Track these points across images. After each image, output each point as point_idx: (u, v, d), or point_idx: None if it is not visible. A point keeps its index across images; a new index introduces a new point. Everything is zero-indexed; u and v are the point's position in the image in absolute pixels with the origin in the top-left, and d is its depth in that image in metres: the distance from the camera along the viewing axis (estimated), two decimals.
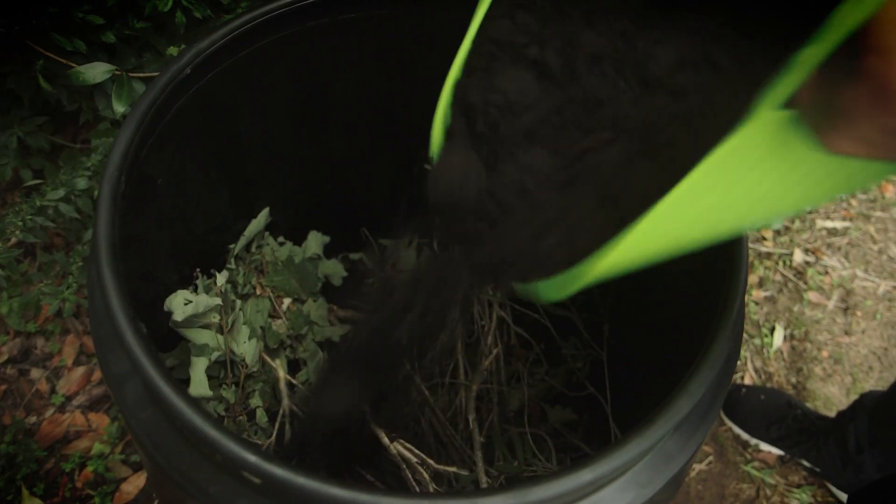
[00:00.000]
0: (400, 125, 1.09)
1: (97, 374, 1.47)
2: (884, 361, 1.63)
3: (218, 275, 1.08)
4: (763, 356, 1.63)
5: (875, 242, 1.83)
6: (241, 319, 1.08)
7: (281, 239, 1.19)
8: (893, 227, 1.87)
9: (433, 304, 0.70)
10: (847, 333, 1.67)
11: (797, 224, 1.84)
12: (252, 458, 0.53)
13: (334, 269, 1.23)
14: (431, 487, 0.88)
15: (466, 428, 1.08)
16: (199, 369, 1.01)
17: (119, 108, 1.13)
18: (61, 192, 1.30)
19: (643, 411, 0.93)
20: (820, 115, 0.43)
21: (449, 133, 0.63)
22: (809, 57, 0.41)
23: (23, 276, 1.44)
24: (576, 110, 0.57)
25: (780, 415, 1.46)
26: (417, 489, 0.88)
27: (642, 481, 0.65)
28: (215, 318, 1.04)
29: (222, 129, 0.96)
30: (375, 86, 1.05)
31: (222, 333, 1.03)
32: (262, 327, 1.10)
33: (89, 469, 1.36)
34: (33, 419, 1.41)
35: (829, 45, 0.39)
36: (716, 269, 0.72)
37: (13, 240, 1.38)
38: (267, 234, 1.17)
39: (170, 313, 0.98)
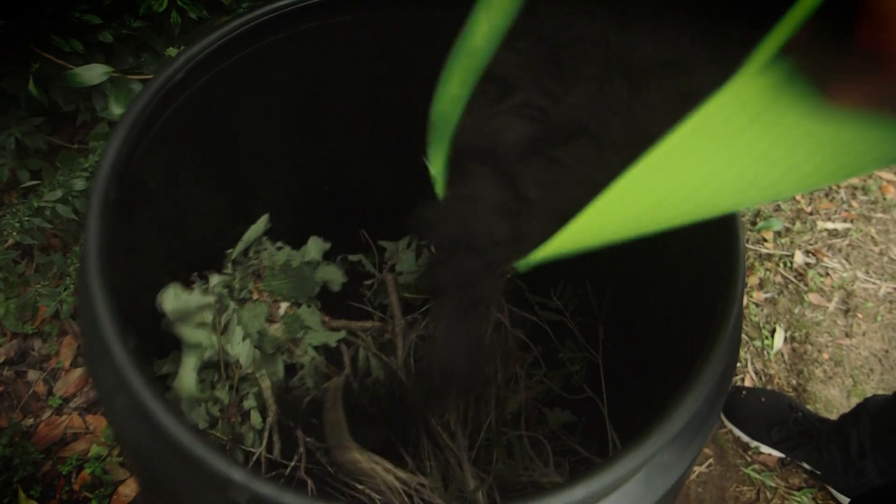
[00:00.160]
0: (398, 126, 1.08)
1: None
2: (885, 363, 1.62)
3: (213, 275, 1.07)
4: (763, 358, 1.62)
5: (876, 244, 1.82)
6: (236, 320, 1.08)
7: (279, 244, 1.18)
8: (894, 228, 1.86)
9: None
10: (848, 335, 1.66)
11: (798, 225, 1.83)
12: (238, 476, 0.52)
13: (333, 275, 1.22)
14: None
15: (463, 432, 1.07)
16: (188, 367, 1.00)
17: (117, 110, 1.13)
18: (59, 194, 1.30)
19: (641, 414, 0.93)
20: (816, 67, 0.41)
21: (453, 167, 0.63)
22: (799, 10, 0.38)
23: (20, 277, 1.43)
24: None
25: (780, 417, 1.45)
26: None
27: (638, 494, 0.64)
28: (208, 318, 1.03)
29: (217, 134, 0.95)
30: (372, 87, 1.04)
31: (216, 333, 1.03)
32: (258, 331, 1.10)
33: (87, 471, 1.35)
34: (30, 421, 1.41)
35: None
36: (711, 274, 0.71)
37: (10, 241, 1.37)
38: (265, 238, 1.17)
39: (165, 318, 0.98)
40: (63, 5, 1.19)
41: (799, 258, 1.77)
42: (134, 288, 0.89)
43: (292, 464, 0.98)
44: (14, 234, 1.30)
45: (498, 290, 0.62)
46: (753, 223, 1.82)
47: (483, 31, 0.60)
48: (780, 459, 1.47)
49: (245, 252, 1.14)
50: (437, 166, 0.66)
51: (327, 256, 1.25)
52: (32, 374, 1.46)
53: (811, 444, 1.42)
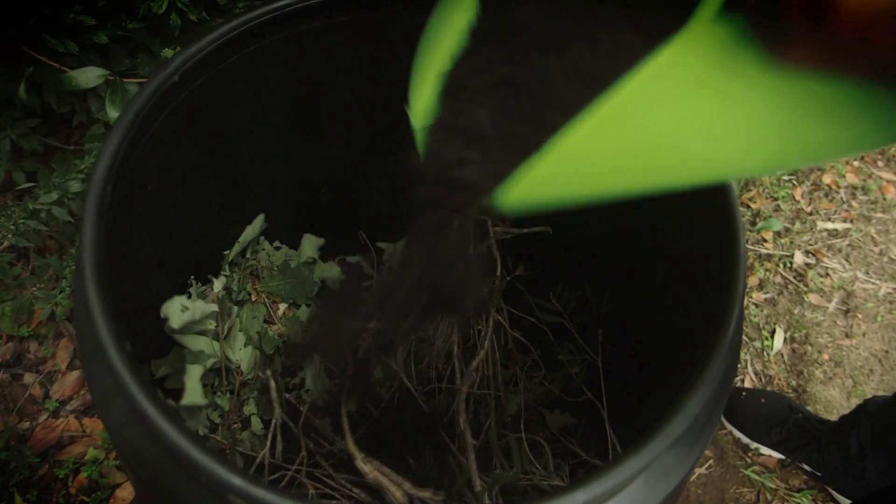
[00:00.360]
0: (395, 126, 1.08)
1: None
2: (885, 364, 1.62)
3: (215, 280, 1.07)
4: (763, 359, 1.61)
5: (876, 244, 1.82)
6: (238, 326, 1.07)
7: (277, 244, 1.18)
8: (894, 228, 1.85)
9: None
10: (848, 336, 1.65)
11: (797, 225, 1.83)
12: (237, 481, 0.51)
13: (331, 272, 1.21)
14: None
15: (463, 433, 1.07)
16: (193, 377, 1.00)
17: (113, 113, 1.12)
18: (54, 196, 1.29)
19: (641, 416, 0.92)
20: (764, 26, 0.40)
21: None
22: None
23: (15, 279, 1.43)
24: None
25: (780, 419, 1.45)
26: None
27: (639, 498, 0.64)
28: (212, 325, 1.03)
29: (214, 136, 0.94)
30: (369, 88, 1.03)
31: (218, 340, 1.02)
32: (257, 333, 1.09)
33: (83, 475, 1.35)
34: (26, 424, 1.40)
35: None
36: (712, 275, 0.71)
37: (5, 243, 1.37)
38: (262, 238, 1.16)
39: (164, 320, 0.97)
40: (57, 6, 1.18)
41: (799, 258, 1.77)
42: (131, 289, 0.89)
43: (293, 467, 0.97)
44: (9, 236, 1.29)
45: (475, 210, 0.61)
46: (753, 223, 1.82)
47: None
48: (780, 461, 1.47)
49: (242, 253, 1.14)
50: (418, 117, 0.65)
51: (326, 258, 1.24)
52: (28, 377, 1.45)
53: (811, 445, 1.41)
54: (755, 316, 1.68)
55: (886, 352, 1.64)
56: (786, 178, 1.91)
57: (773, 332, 1.65)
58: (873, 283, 1.75)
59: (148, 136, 0.76)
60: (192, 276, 1.02)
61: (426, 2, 0.91)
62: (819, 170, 1.94)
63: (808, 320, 1.68)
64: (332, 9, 0.89)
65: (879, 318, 1.68)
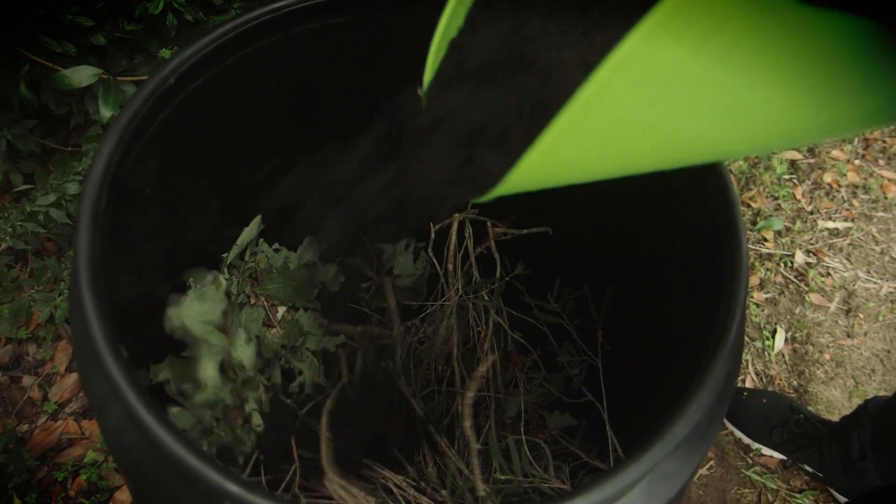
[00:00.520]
0: (395, 126, 1.07)
1: None
2: (886, 364, 1.61)
3: (219, 276, 1.06)
4: (764, 359, 1.61)
5: (877, 243, 1.81)
6: (239, 323, 1.07)
7: (276, 245, 1.17)
8: None
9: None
10: (849, 336, 1.65)
11: (798, 225, 1.82)
12: (234, 488, 0.51)
13: (331, 275, 1.21)
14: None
15: (463, 437, 1.06)
16: (210, 369, 0.99)
17: (106, 112, 1.11)
18: (52, 198, 1.28)
19: (641, 417, 0.92)
20: None
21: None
22: None
23: (13, 282, 1.42)
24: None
25: (782, 419, 1.45)
26: None
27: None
28: (220, 318, 1.02)
29: (211, 138, 0.94)
30: (368, 89, 1.03)
31: (226, 334, 1.02)
32: (256, 336, 1.09)
33: (82, 477, 1.34)
34: (25, 427, 1.40)
35: None
36: (713, 276, 0.70)
37: (3, 246, 1.36)
38: (261, 240, 1.15)
39: (161, 322, 0.97)
40: (53, 7, 1.17)
41: (800, 258, 1.76)
42: (128, 292, 0.88)
43: (290, 473, 0.97)
44: (7, 238, 1.29)
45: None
46: (753, 222, 1.81)
47: None
48: (782, 462, 1.46)
49: (241, 255, 1.13)
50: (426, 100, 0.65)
51: (326, 259, 1.24)
52: (27, 380, 1.45)
53: (813, 446, 1.41)
54: (756, 316, 1.67)
55: (888, 352, 1.63)
56: (786, 176, 1.91)
57: (774, 332, 1.65)
58: (875, 283, 1.74)
59: (144, 138, 0.75)
60: (192, 280, 1.01)
61: (425, 2, 0.91)
62: (820, 168, 1.93)
63: (810, 320, 1.67)
64: (331, 10, 0.89)
65: (881, 318, 1.68)
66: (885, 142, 2.02)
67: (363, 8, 0.91)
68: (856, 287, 1.73)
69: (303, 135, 1.06)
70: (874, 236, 1.82)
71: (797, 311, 1.68)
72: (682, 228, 0.84)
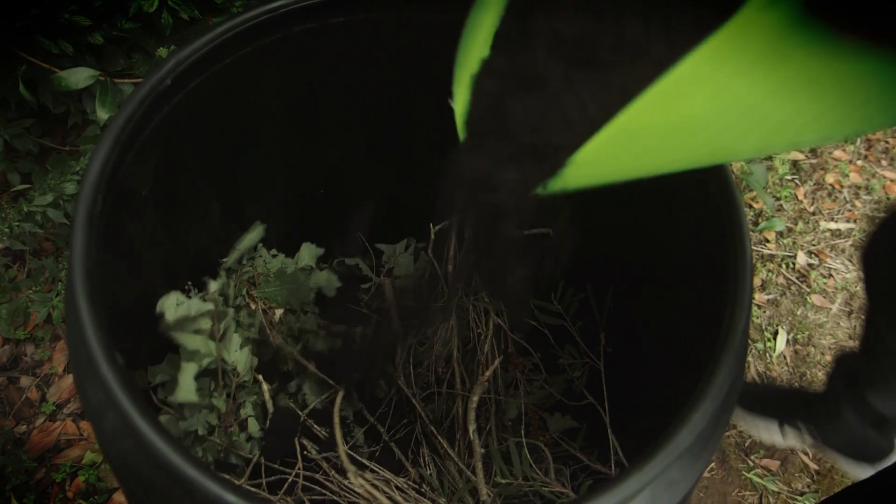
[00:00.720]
0: (394, 127, 1.07)
1: None
2: None
3: (211, 281, 1.05)
4: (766, 360, 1.60)
5: None
6: (233, 328, 1.06)
7: (273, 251, 1.16)
8: None
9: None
10: (851, 338, 1.64)
11: (800, 226, 1.81)
12: (232, 498, 0.50)
13: (327, 281, 1.20)
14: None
15: (464, 439, 1.06)
16: (187, 374, 0.99)
17: (103, 114, 1.10)
18: (49, 198, 1.27)
19: (643, 421, 0.91)
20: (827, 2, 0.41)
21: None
22: None
23: (11, 282, 1.41)
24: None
25: (777, 392, 1.44)
26: None
27: None
28: (207, 324, 1.01)
29: (210, 138, 0.93)
30: (367, 89, 1.02)
31: (214, 340, 1.01)
32: (253, 339, 1.08)
33: (81, 479, 1.34)
34: (23, 428, 1.39)
35: None
36: (717, 278, 0.69)
37: (0, 246, 1.35)
38: (260, 245, 1.15)
39: (159, 319, 0.96)
40: (51, 6, 1.16)
41: (801, 259, 1.75)
42: (125, 295, 0.87)
43: (292, 473, 0.96)
44: (4, 238, 1.28)
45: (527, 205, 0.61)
46: (755, 223, 1.80)
47: None
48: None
49: (239, 260, 1.12)
50: (460, 105, 0.64)
51: (324, 259, 1.23)
52: (25, 380, 1.44)
53: (803, 407, 1.39)
54: (757, 317, 1.66)
55: None
56: (788, 177, 1.90)
57: (775, 334, 1.64)
58: None
59: (141, 140, 0.74)
60: (190, 283, 1.01)
61: (425, 2, 0.90)
62: (822, 169, 1.92)
63: (811, 321, 1.66)
64: (330, 9, 0.88)
65: None
66: (887, 143, 2.01)
67: (362, 8, 0.90)
68: (858, 289, 1.72)
69: (302, 135, 1.05)
70: None
71: (799, 313, 1.67)
72: (685, 230, 0.83)
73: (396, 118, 1.05)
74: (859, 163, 1.96)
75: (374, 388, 1.12)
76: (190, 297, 0.99)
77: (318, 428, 1.04)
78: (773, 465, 1.46)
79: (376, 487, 0.86)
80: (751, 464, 1.46)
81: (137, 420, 0.53)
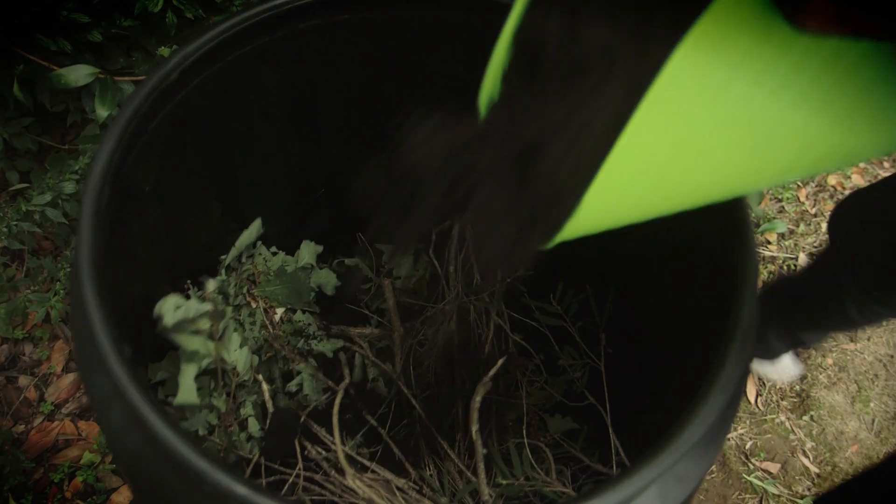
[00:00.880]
0: (394, 127, 1.06)
1: None
2: (890, 369, 1.60)
3: (209, 281, 1.05)
4: None
5: None
6: (232, 327, 1.06)
7: (273, 249, 1.16)
8: None
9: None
10: (852, 340, 1.64)
11: (802, 227, 1.81)
12: (241, 490, 0.50)
13: (327, 279, 1.20)
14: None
15: (465, 439, 1.05)
16: (188, 376, 0.98)
17: (102, 112, 1.10)
18: (48, 197, 1.27)
19: (644, 421, 0.91)
20: None
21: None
22: None
23: (9, 281, 1.41)
24: None
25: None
26: None
27: None
28: (206, 325, 1.01)
29: (211, 136, 0.93)
30: (369, 88, 1.02)
31: (213, 340, 1.01)
32: (254, 338, 1.08)
33: (79, 479, 1.33)
34: (21, 428, 1.38)
35: None
36: (719, 279, 0.69)
37: None
38: (259, 243, 1.14)
39: (158, 319, 0.96)
40: (49, 4, 1.16)
41: (803, 260, 1.75)
42: (127, 293, 0.87)
43: (294, 473, 0.96)
44: (3, 238, 1.28)
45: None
46: (757, 225, 1.80)
47: None
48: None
49: (239, 258, 1.12)
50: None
51: (324, 260, 1.23)
52: (23, 380, 1.44)
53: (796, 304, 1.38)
54: None
55: (892, 356, 1.62)
56: None
57: None
58: None
59: (145, 136, 0.74)
60: (189, 281, 1.00)
61: (427, 1, 0.90)
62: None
63: None
64: (333, 7, 0.88)
65: (884, 322, 1.67)
66: None
67: (367, 6, 0.90)
68: None
69: (302, 134, 1.05)
70: None
71: None
72: (687, 229, 0.83)
73: (397, 118, 1.05)
74: (861, 164, 1.96)
75: (373, 391, 1.12)
76: (188, 299, 0.99)
77: (318, 428, 1.04)
78: (774, 467, 1.46)
79: (376, 488, 0.85)
80: (751, 467, 1.46)
81: (147, 412, 0.52)
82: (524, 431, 1.06)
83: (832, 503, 1.16)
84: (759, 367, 1.55)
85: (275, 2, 0.82)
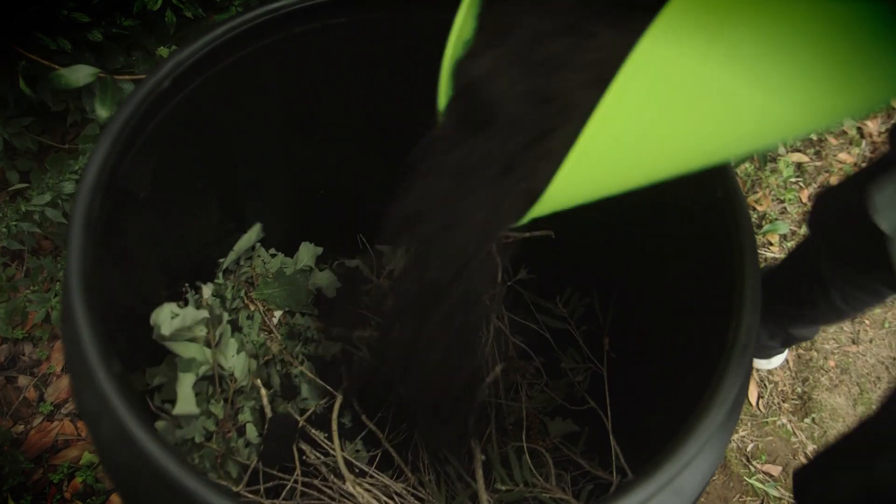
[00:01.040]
0: (394, 127, 1.06)
1: None
2: (892, 371, 1.60)
3: (203, 287, 1.04)
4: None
5: None
6: (229, 333, 1.05)
7: (272, 251, 1.15)
8: None
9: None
10: (854, 342, 1.63)
11: (804, 229, 1.80)
12: None
13: (327, 281, 1.19)
14: None
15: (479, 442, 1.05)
16: (185, 385, 0.98)
17: (103, 112, 1.09)
18: (48, 197, 1.26)
19: (645, 426, 0.90)
20: None
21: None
22: None
23: (9, 281, 1.40)
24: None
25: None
26: None
27: None
28: (202, 332, 1.00)
29: (208, 141, 0.92)
30: (367, 90, 1.01)
31: (210, 347, 1.00)
32: (252, 342, 1.07)
33: (78, 479, 1.33)
34: (20, 428, 1.38)
35: None
36: (723, 284, 0.69)
37: None
38: (258, 245, 1.14)
39: (155, 334, 0.95)
40: (49, 3, 1.15)
41: None
42: (124, 297, 0.86)
43: (291, 479, 0.96)
44: (2, 238, 1.27)
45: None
46: (759, 226, 1.79)
47: None
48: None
49: (237, 260, 1.11)
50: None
51: (324, 261, 1.22)
52: (23, 380, 1.43)
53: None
54: None
55: (894, 359, 1.61)
56: (792, 179, 1.88)
57: None
58: None
59: (140, 141, 0.73)
60: (187, 284, 1.00)
61: (425, 3, 0.89)
62: (826, 172, 1.91)
63: None
64: (330, 10, 0.87)
65: (887, 325, 1.66)
66: None
67: (364, 8, 0.89)
68: None
69: (302, 135, 1.05)
70: None
71: None
72: (691, 234, 0.83)
73: (397, 118, 1.04)
74: (864, 165, 1.95)
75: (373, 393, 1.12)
76: (184, 307, 0.98)
77: (317, 432, 1.03)
78: (775, 470, 1.45)
79: (375, 493, 0.85)
80: (752, 469, 1.45)
81: (135, 429, 0.52)
82: (524, 435, 1.06)
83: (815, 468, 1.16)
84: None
85: (272, 5, 0.82)
